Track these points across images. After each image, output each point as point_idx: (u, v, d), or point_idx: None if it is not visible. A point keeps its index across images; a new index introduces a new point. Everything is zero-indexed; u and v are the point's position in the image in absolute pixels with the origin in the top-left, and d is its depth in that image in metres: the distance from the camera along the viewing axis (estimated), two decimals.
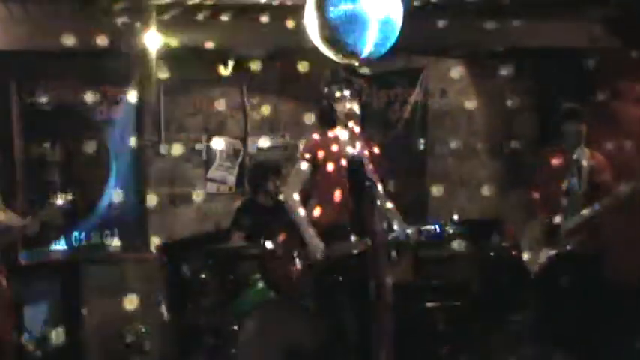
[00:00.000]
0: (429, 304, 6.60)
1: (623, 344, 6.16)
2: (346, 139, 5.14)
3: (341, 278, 5.04)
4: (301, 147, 5.38)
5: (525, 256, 5.89)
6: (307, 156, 5.18)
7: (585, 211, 5.65)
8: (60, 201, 5.38)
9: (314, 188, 5.20)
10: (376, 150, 5.23)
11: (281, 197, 5.36)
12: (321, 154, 5.14)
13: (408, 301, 6.73)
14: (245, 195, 7.17)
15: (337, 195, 5.09)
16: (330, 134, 5.21)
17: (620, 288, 6.70)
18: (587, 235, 5.75)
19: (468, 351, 6.39)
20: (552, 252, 5.73)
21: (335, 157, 5.13)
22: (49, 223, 5.81)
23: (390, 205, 5.26)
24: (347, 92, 5.19)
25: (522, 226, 6.09)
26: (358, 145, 5.02)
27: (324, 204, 5.14)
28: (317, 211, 5.17)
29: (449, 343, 6.42)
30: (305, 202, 5.20)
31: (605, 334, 5.94)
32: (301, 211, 5.13)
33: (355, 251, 5.00)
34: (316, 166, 5.15)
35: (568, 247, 5.71)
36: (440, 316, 6.57)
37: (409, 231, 5.05)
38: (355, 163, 5.07)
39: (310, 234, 5.05)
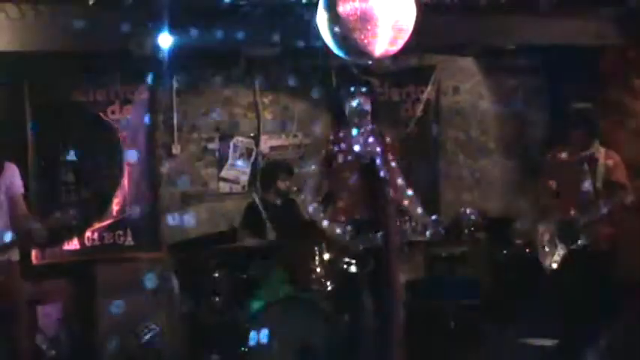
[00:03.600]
0: (442, 302, 6.60)
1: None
2: (358, 137, 5.15)
3: (359, 275, 5.06)
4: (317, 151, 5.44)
5: (541, 253, 5.87)
6: (322, 154, 5.21)
7: (599, 209, 5.63)
8: (71, 211, 5.39)
9: (332, 185, 5.22)
10: (390, 143, 5.21)
11: (297, 199, 5.39)
12: (334, 152, 5.16)
13: (420, 297, 6.74)
14: (257, 194, 7.16)
15: (353, 191, 5.12)
16: (342, 132, 5.22)
17: (632, 284, 6.68)
18: (600, 232, 5.73)
19: (481, 349, 6.38)
20: (567, 249, 5.71)
21: (347, 154, 5.15)
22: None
23: (410, 192, 5.26)
24: (359, 91, 5.20)
25: (535, 224, 6.06)
26: (370, 141, 5.02)
27: (343, 199, 5.18)
28: (340, 204, 5.22)
29: (462, 341, 6.41)
30: (327, 197, 5.24)
31: (615, 330, 5.93)
32: (323, 219, 5.18)
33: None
34: (330, 163, 5.16)
35: (582, 245, 5.68)
36: (453, 314, 6.56)
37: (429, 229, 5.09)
38: (367, 159, 5.10)
39: (333, 229, 5.09)
